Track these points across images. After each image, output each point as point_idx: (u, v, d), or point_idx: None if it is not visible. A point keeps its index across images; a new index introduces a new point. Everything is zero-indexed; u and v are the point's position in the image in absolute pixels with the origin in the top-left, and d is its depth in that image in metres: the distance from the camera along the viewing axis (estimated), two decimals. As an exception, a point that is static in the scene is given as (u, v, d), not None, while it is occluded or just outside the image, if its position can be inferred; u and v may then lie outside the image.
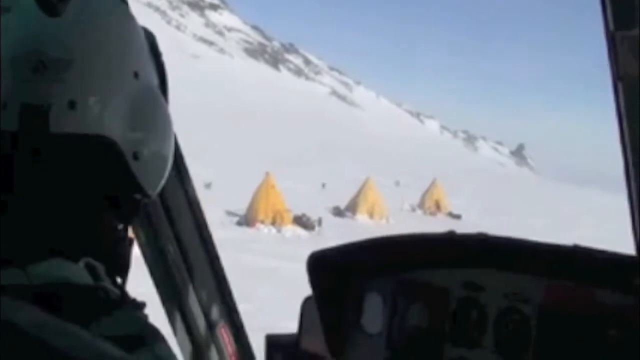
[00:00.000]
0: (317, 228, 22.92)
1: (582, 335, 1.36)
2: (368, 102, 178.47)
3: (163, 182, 1.09)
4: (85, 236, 0.98)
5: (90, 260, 0.95)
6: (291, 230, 21.78)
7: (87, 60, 0.98)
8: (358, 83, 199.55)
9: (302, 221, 22.90)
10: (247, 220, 21.51)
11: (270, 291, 11.09)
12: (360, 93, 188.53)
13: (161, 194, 1.84)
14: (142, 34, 1.08)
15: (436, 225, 31.32)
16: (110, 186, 1.02)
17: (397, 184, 42.59)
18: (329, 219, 26.69)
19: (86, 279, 0.93)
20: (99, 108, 0.98)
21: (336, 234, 23.05)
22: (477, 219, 34.05)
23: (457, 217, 35.16)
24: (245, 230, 20.55)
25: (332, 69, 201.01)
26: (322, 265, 1.60)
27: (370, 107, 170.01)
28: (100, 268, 0.96)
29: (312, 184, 35.68)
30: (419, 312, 1.54)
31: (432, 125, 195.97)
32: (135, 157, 1.01)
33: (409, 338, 1.56)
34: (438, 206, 35.61)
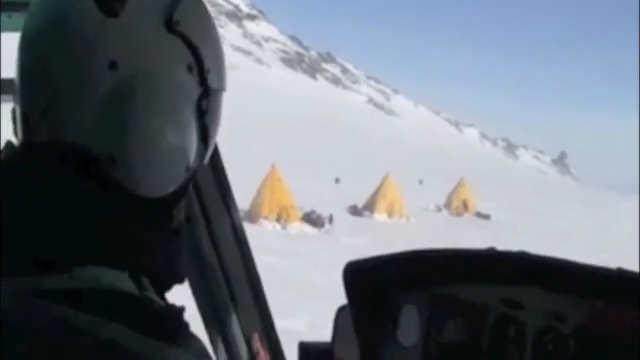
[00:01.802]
0: (327, 225, 21.89)
1: None
2: (406, 110, 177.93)
3: (170, 181, 1.03)
4: (123, 245, 0.97)
5: (134, 270, 0.96)
6: (298, 227, 20.69)
7: (52, 62, 0.98)
8: (396, 91, 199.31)
9: (311, 218, 21.79)
10: (249, 216, 20.12)
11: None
12: (398, 101, 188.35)
13: (204, 214, 1.91)
14: (134, 14, 0.99)
15: (461, 225, 30.13)
16: (104, 192, 0.97)
17: (421, 182, 41.62)
18: (345, 218, 25.79)
19: (131, 287, 0.95)
20: (66, 112, 0.97)
21: (346, 232, 22.40)
22: (506, 220, 32.85)
23: (486, 217, 34.06)
24: (246, 227, 19.44)
25: (369, 77, 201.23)
26: (358, 276, 1.59)
27: (408, 116, 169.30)
28: (145, 279, 0.97)
29: (335, 189, 34.69)
30: (455, 327, 1.53)
31: (472, 133, 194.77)
32: (113, 160, 0.97)
33: (445, 352, 1.56)
34: (465, 206, 34.31)
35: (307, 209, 22.18)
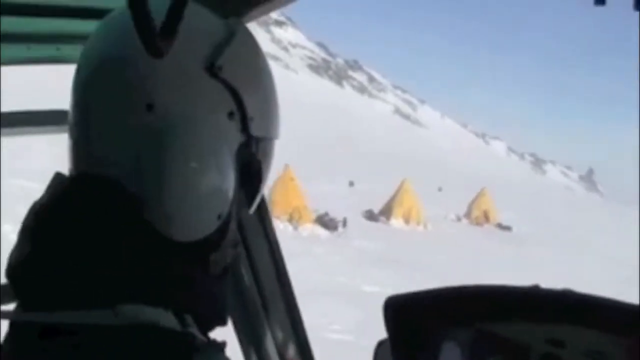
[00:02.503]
0: (340, 229, 21.63)
1: None
2: (432, 121, 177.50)
3: (199, 227, 1.03)
4: (164, 283, 0.98)
5: (176, 307, 0.98)
6: (310, 229, 20.41)
7: (95, 99, 1.01)
8: (422, 102, 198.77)
9: (324, 220, 21.45)
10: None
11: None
12: (425, 112, 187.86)
13: (241, 234, 1.89)
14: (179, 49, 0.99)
15: (480, 234, 29.73)
16: (135, 231, 0.99)
17: (440, 189, 41.17)
18: (360, 222, 25.57)
19: (173, 323, 0.97)
20: (106, 149, 1.00)
21: (359, 236, 22.21)
22: (528, 232, 32.35)
23: (507, 228, 33.74)
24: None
25: (396, 87, 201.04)
26: (399, 311, 1.59)
27: (434, 127, 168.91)
28: (188, 316, 0.99)
29: (353, 194, 34.29)
30: None
31: (499, 147, 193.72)
32: (144, 201, 0.99)
33: None
34: (486, 217, 33.86)
35: (321, 212, 21.94)
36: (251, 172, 1.07)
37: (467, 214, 33.67)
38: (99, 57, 1.03)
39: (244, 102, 1.03)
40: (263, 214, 2.00)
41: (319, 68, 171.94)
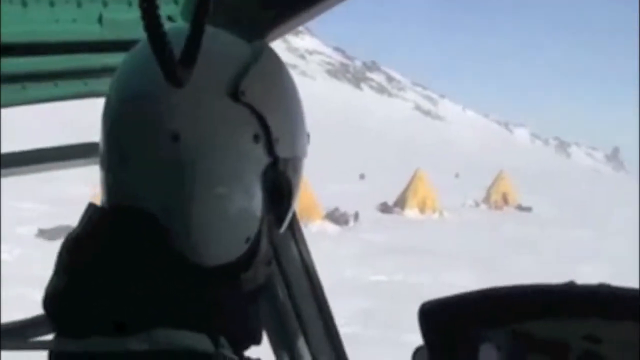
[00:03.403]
0: (351, 223, 21.64)
1: None
2: (453, 114, 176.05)
3: (227, 252, 1.05)
4: (195, 307, 1.00)
5: (208, 330, 1.00)
6: (319, 225, 20.45)
7: (121, 131, 1.04)
8: (443, 96, 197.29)
9: (334, 216, 21.53)
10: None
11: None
12: (445, 106, 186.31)
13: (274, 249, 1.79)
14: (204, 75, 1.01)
15: (499, 218, 29.57)
16: (168, 259, 1.01)
17: (457, 175, 40.95)
18: (373, 215, 25.53)
19: (207, 346, 0.98)
20: (134, 180, 1.03)
21: (369, 229, 22.19)
22: (549, 212, 32.11)
23: (527, 209, 33.42)
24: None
25: (415, 84, 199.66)
26: (435, 316, 1.58)
27: (456, 120, 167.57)
28: (222, 337, 1.01)
29: (370, 188, 34.29)
30: None
31: (522, 134, 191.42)
32: (172, 230, 1.01)
33: None
34: (505, 200, 33.62)
35: (331, 208, 21.99)
36: (280, 192, 1.08)
37: (486, 199, 33.45)
38: (126, 89, 1.05)
39: (269, 124, 1.03)
40: (295, 229, 2.02)
41: (337, 72, 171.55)
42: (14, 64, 1.65)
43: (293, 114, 1.11)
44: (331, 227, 20.90)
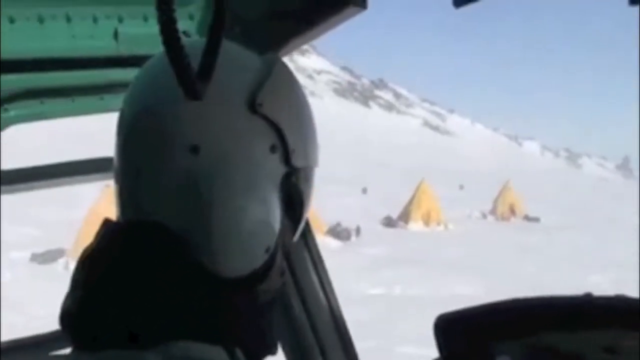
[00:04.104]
0: (353, 238, 21.61)
1: None
2: (462, 129, 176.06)
3: (248, 263, 1.06)
4: (212, 319, 1.00)
5: (224, 342, 0.99)
6: (320, 241, 20.41)
7: (137, 144, 1.04)
8: (451, 111, 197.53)
9: (336, 231, 21.49)
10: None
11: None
12: (454, 121, 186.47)
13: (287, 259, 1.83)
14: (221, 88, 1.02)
15: (505, 229, 29.40)
16: (185, 271, 1.01)
17: (462, 187, 40.81)
18: (376, 229, 25.43)
19: (223, 358, 0.98)
20: (150, 193, 1.03)
21: (370, 243, 22.13)
22: (557, 221, 31.91)
23: (535, 220, 33.24)
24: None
25: (423, 100, 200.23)
26: (452, 328, 1.55)
27: (465, 134, 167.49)
28: (239, 352, 1.00)
29: (376, 203, 34.20)
30: None
31: (532, 147, 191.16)
32: (191, 242, 1.01)
33: None
34: (512, 211, 33.42)
35: (334, 223, 21.97)
36: (294, 202, 1.09)
37: (493, 211, 33.27)
38: (142, 103, 1.06)
39: (285, 134, 1.05)
40: (308, 238, 2.03)
41: (345, 91, 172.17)
42: (31, 80, 1.70)
43: (306, 124, 1.12)
44: (333, 243, 20.80)
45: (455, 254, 20.87)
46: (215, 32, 0.92)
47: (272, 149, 1.04)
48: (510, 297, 1.51)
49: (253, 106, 1.03)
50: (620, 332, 1.40)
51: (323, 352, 2.08)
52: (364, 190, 34.91)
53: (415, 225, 26.22)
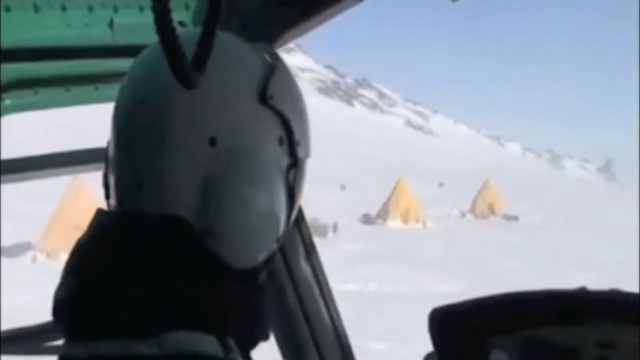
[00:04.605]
0: (330, 234, 21.45)
1: None
2: (445, 130, 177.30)
3: (262, 253, 1.07)
4: (209, 310, 1.00)
5: (219, 333, 0.99)
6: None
7: (149, 136, 1.02)
8: (435, 112, 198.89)
9: (313, 227, 21.22)
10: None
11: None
12: (437, 122, 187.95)
13: (288, 268, 1.99)
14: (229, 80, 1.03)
15: (485, 228, 29.35)
16: (194, 262, 1.01)
17: (441, 185, 40.87)
18: (355, 227, 25.32)
19: (217, 350, 0.98)
20: (164, 185, 1.01)
21: (349, 240, 22.00)
22: (536, 220, 31.98)
23: (514, 218, 33.39)
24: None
25: (407, 100, 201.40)
26: (444, 322, 1.55)
27: (448, 135, 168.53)
28: (231, 340, 1.00)
29: (352, 203, 34.07)
30: None
31: (514, 148, 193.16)
32: (209, 233, 1.01)
33: None
34: (492, 209, 33.43)
35: (311, 219, 21.80)
36: (295, 193, 1.11)
37: (472, 209, 33.28)
38: (141, 92, 1.05)
39: (292, 126, 1.06)
40: (302, 226, 2.04)
41: (329, 90, 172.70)
42: (26, 69, 1.70)
43: (306, 116, 1.13)
44: (309, 239, 20.65)
45: (433, 252, 20.78)
46: (210, 22, 0.90)
47: (280, 140, 1.05)
48: (491, 294, 1.49)
49: (264, 98, 1.03)
50: (615, 325, 1.40)
51: (315, 341, 2.08)
52: (343, 187, 34.72)
53: (394, 222, 26.14)
